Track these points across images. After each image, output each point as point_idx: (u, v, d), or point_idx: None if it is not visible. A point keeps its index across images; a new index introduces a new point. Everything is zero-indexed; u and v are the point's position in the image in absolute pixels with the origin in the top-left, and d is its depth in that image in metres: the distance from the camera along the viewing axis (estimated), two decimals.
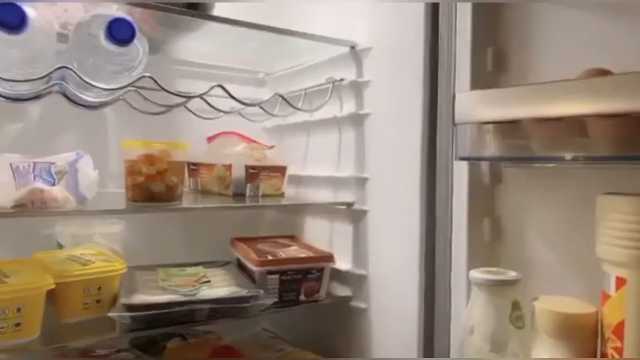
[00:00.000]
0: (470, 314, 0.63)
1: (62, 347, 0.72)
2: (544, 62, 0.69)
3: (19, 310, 0.69)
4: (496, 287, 0.60)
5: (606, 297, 0.55)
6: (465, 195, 0.72)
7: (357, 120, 0.96)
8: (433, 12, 0.78)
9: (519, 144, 0.62)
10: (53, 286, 0.72)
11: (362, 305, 0.94)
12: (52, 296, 0.74)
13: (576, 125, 0.55)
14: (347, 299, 0.96)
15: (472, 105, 0.63)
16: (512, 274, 0.62)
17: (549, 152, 0.59)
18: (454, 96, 0.64)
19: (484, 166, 0.72)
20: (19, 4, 0.63)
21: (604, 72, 0.58)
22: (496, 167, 0.72)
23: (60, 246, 0.92)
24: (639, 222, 0.51)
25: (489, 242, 0.72)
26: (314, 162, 1.09)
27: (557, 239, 0.66)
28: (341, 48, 0.97)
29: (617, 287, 0.54)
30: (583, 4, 0.65)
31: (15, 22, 0.62)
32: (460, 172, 0.72)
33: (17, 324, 0.69)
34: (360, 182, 0.95)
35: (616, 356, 0.53)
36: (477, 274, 0.62)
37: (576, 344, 0.56)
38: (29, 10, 0.65)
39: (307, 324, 1.07)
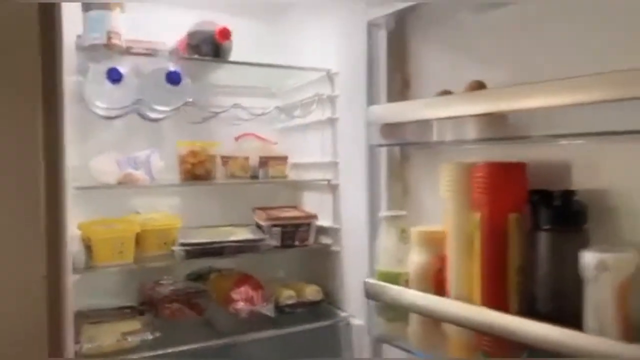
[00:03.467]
0: (380, 237, 1.05)
1: (145, 265, 1.20)
2: (431, 82, 1.09)
3: (122, 244, 1.18)
4: (391, 219, 1.03)
5: None
6: (385, 169, 1.14)
7: (332, 122, 1.40)
8: (369, 47, 1.19)
9: (408, 135, 1.03)
10: (139, 230, 1.21)
11: (337, 249, 1.38)
12: (138, 238, 1.22)
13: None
14: (327, 246, 1.40)
15: (380, 113, 1.05)
16: (402, 212, 1.04)
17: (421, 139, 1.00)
18: (368, 109, 1.06)
19: (396, 150, 1.13)
20: (118, 67, 1.11)
21: (480, 84, 0.96)
22: (405, 150, 1.13)
23: (138, 212, 1.40)
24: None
25: (400, 197, 1.14)
26: (307, 152, 1.53)
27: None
28: (321, 72, 1.40)
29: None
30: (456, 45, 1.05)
31: (117, 77, 1.10)
32: (383, 153, 1.15)
33: (120, 252, 1.18)
34: (334, 165, 1.39)
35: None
36: (384, 213, 1.05)
37: (429, 249, 0.97)
38: (122, 69, 1.14)
39: (301, 264, 1.51)
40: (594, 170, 0.83)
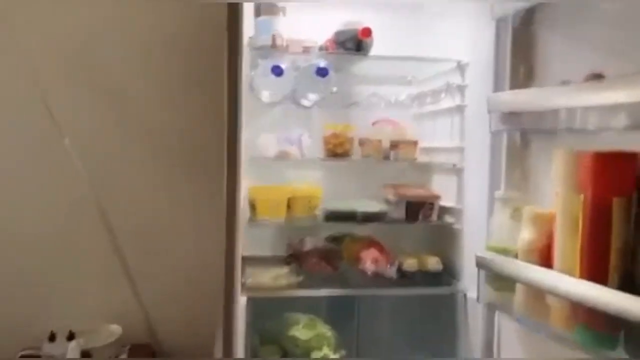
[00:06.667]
0: (494, 215, 1.17)
1: (293, 224, 1.48)
2: (556, 72, 1.16)
3: (277, 205, 1.48)
4: (505, 199, 1.14)
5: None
6: (504, 155, 1.24)
7: (460, 109, 1.51)
8: (496, 42, 1.29)
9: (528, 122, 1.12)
10: (290, 195, 1.49)
11: (458, 227, 1.51)
12: (289, 202, 1.51)
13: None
14: (450, 224, 1.54)
15: (502, 100, 1.16)
16: (515, 193, 1.14)
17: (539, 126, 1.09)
18: (488, 97, 1.17)
19: (517, 136, 1.22)
20: (280, 64, 1.39)
21: (598, 76, 1.02)
22: (525, 136, 1.22)
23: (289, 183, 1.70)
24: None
25: (519, 181, 1.23)
26: (436, 137, 1.66)
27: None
28: (452, 63, 1.53)
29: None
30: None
31: (279, 72, 1.39)
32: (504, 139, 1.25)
33: (276, 211, 1.48)
34: (460, 150, 1.51)
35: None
36: (498, 193, 1.16)
37: (538, 227, 1.06)
38: (283, 65, 1.41)
39: (425, 238, 1.67)
40: None
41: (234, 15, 1.30)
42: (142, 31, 1.69)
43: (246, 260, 1.50)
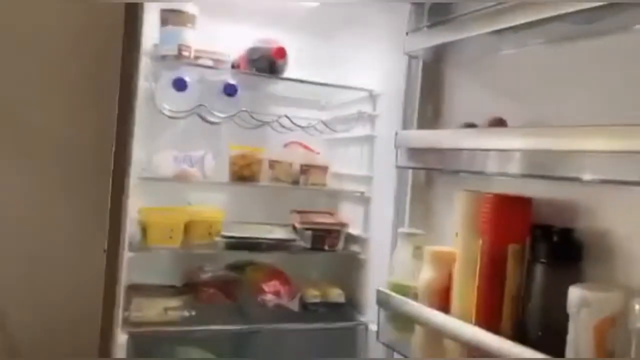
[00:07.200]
0: (397, 251, 1.15)
1: (190, 251, 1.36)
2: (462, 111, 1.17)
3: (172, 230, 1.35)
4: (408, 235, 1.12)
5: None
6: (409, 190, 1.23)
7: (370, 139, 1.50)
8: (407, 76, 1.29)
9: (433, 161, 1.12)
10: (188, 219, 1.37)
11: (363, 257, 1.48)
12: (186, 227, 1.39)
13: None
14: (355, 253, 1.51)
15: (408, 138, 1.14)
16: (418, 231, 1.12)
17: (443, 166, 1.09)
18: (396, 133, 1.16)
19: (422, 173, 1.22)
20: (183, 76, 1.28)
21: (500, 121, 1.04)
22: (429, 174, 1.21)
23: (189, 204, 1.57)
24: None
25: (422, 218, 1.22)
26: (347, 164, 1.64)
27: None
28: (365, 92, 1.51)
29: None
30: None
31: (182, 87, 1.27)
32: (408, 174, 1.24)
33: (170, 237, 1.35)
34: (369, 179, 1.49)
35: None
36: (401, 229, 1.14)
37: (439, 267, 1.05)
38: (187, 79, 1.30)
39: (329, 268, 1.62)
40: (597, 210, 0.88)
41: (132, 15, 1.18)
42: (25, 29, 1.50)
43: (134, 289, 1.35)
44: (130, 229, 1.24)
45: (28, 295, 1.51)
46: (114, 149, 1.17)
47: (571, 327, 0.79)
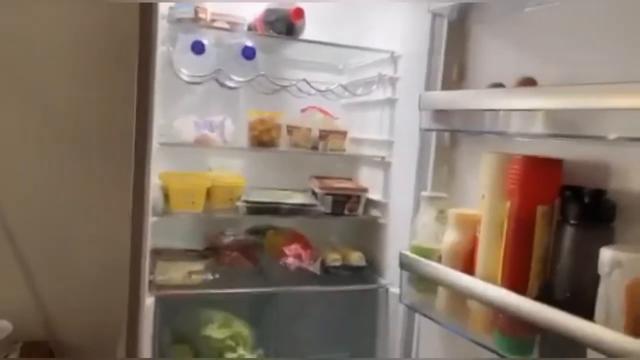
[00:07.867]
0: (420, 215, 1.14)
1: (211, 216, 1.37)
2: (488, 72, 1.14)
3: (194, 195, 1.35)
4: (431, 199, 1.11)
5: None
6: (433, 152, 1.21)
7: (391, 102, 1.47)
8: (431, 35, 1.25)
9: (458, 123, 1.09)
10: (209, 185, 1.37)
11: (384, 221, 1.48)
12: (208, 192, 1.39)
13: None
14: (375, 218, 1.51)
15: (433, 99, 1.12)
16: (442, 194, 1.11)
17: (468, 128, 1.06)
18: (420, 95, 1.13)
19: (446, 135, 1.20)
20: (201, 39, 1.26)
21: (530, 80, 1.00)
22: (454, 136, 1.19)
23: (210, 169, 1.57)
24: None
25: (446, 181, 1.21)
26: (366, 129, 1.61)
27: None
28: (385, 54, 1.47)
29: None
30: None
31: (200, 50, 1.25)
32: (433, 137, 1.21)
33: (192, 202, 1.36)
34: (390, 144, 1.47)
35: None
36: (424, 193, 1.13)
37: (463, 230, 1.04)
38: (205, 41, 1.28)
39: (350, 232, 1.63)
40: (629, 171, 0.86)
41: None
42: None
43: (158, 253, 1.38)
44: (154, 194, 1.24)
45: (60, 261, 1.56)
46: (135, 114, 1.16)
47: (602, 288, 0.78)
